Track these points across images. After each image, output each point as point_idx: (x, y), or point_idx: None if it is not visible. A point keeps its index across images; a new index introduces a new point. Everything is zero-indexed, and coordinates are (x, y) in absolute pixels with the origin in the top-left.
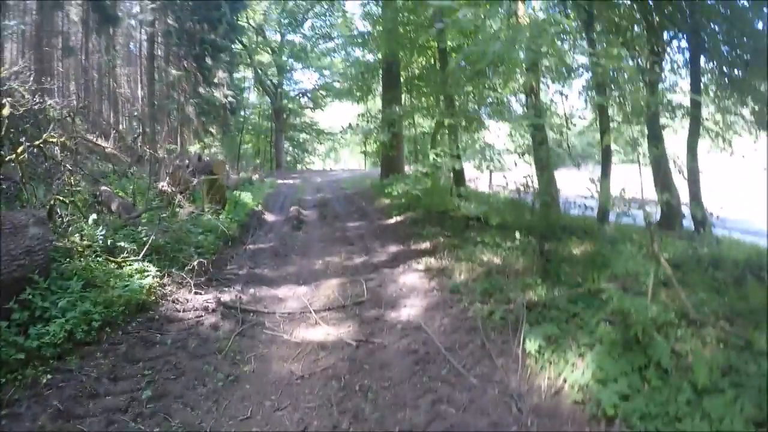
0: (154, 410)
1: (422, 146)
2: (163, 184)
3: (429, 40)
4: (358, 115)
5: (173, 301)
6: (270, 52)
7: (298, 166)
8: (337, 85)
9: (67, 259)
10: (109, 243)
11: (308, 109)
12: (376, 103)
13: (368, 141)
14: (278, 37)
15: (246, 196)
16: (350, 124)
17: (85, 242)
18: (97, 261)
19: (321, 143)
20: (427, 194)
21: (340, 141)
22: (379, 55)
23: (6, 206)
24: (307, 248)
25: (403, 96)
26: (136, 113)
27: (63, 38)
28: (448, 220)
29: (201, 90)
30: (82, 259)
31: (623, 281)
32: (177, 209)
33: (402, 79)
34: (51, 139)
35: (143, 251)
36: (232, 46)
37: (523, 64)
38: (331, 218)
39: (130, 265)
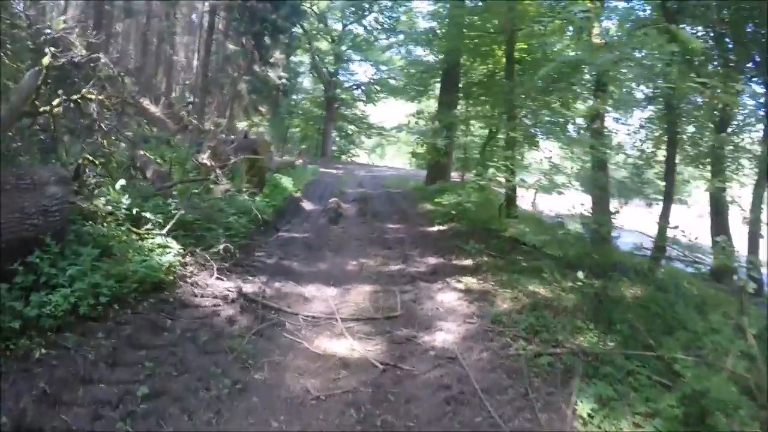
0: (147, 411)
1: (471, 155)
2: (203, 158)
3: (494, 47)
4: (410, 115)
5: (192, 284)
6: (330, 40)
7: (343, 157)
8: (392, 82)
9: (88, 224)
10: (134, 212)
11: (360, 102)
12: (429, 105)
13: (419, 142)
14: (339, 27)
15: (286, 181)
16: (408, 123)
17: (108, 208)
18: (119, 230)
19: (369, 137)
20: (475, 207)
21: (388, 138)
22: (441, 56)
23: (40, 160)
24: (342, 245)
25: (459, 102)
26: (187, 82)
27: None
28: (494, 239)
29: (256, 68)
30: (104, 224)
31: (688, 345)
32: (212, 185)
33: (461, 84)
34: (89, 96)
35: (168, 225)
36: (292, 29)
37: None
38: (371, 216)
39: (153, 238)
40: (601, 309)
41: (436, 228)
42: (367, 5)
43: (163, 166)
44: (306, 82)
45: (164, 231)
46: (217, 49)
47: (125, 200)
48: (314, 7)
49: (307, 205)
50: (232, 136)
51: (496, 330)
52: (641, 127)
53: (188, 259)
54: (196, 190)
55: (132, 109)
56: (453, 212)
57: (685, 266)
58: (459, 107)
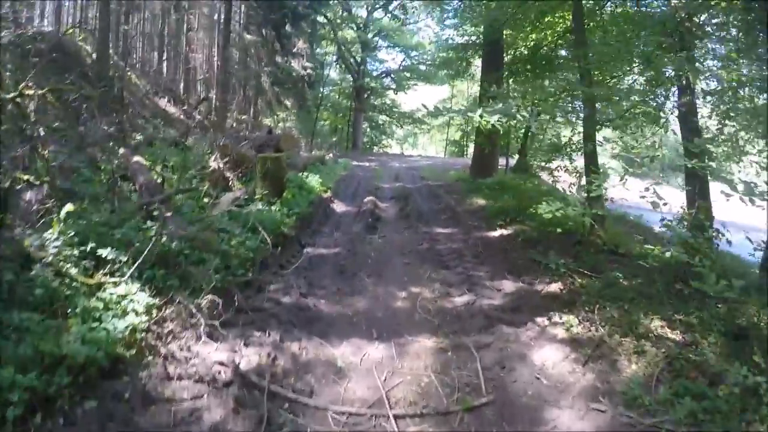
0: None
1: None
2: (212, 160)
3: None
4: (443, 100)
5: (167, 358)
6: (355, 27)
7: (375, 149)
8: (422, 67)
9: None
10: (89, 248)
11: (391, 91)
12: (462, 91)
13: (460, 126)
14: (364, 13)
15: (314, 179)
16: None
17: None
18: (62, 280)
19: (401, 127)
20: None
21: (421, 126)
22: (479, 32)
23: None
24: (384, 264)
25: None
26: (201, 77)
27: None
28: (577, 246)
29: (278, 59)
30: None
31: None
32: (214, 195)
33: (506, 61)
34: (27, 92)
35: (135, 266)
36: (314, 16)
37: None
38: (415, 218)
39: (114, 286)
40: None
41: (498, 233)
42: None
43: (164, 173)
44: (333, 73)
45: (126, 276)
46: (235, 41)
47: (69, 233)
48: None
49: (338, 207)
50: (256, 133)
51: (640, 423)
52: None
53: (167, 311)
54: (198, 200)
55: (149, 110)
56: (502, 205)
57: None
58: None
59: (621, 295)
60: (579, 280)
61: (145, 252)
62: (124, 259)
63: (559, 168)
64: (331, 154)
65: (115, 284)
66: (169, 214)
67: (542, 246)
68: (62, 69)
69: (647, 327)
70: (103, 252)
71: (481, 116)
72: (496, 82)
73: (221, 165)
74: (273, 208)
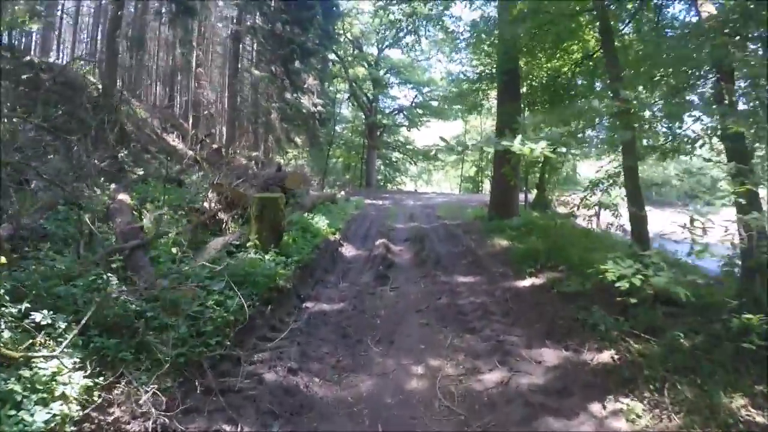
0: None
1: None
2: (206, 199)
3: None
4: (455, 137)
5: None
6: (366, 65)
7: (389, 186)
8: (434, 103)
9: None
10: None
11: (403, 128)
12: (475, 126)
13: (468, 161)
14: (375, 51)
15: (321, 220)
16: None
17: None
18: None
19: (414, 163)
20: (574, 244)
21: (434, 162)
22: (493, 62)
23: None
24: (395, 324)
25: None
26: (206, 112)
27: (133, 28)
28: (624, 298)
29: (287, 95)
30: None
31: None
32: (201, 240)
33: (524, 90)
34: None
35: (73, 333)
36: (324, 53)
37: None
38: (431, 263)
39: (45, 360)
40: None
41: (528, 282)
42: (403, 25)
43: (141, 215)
44: (346, 110)
45: (62, 347)
46: (244, 77)
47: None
48: (348, 34)
49: (348, 251)
50: (265, 170)
51: None
52: None
53: (115, 393)
54: (179, 250)
55: (154, 144)
56: (532, 246)
57: None
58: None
59: (689, 364)
60: (635, 345)
61: (88, 315)
62: (64, 325)
63: (574, 202)
64: (343, 192)
65: (45, 358)
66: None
67: (583, 300)
68: (65, 100)
69: (729, 409)
70: (37, 316)
71: (523, 143)
72: (513, 113)
73: (214, 205)
74: (268, 256)
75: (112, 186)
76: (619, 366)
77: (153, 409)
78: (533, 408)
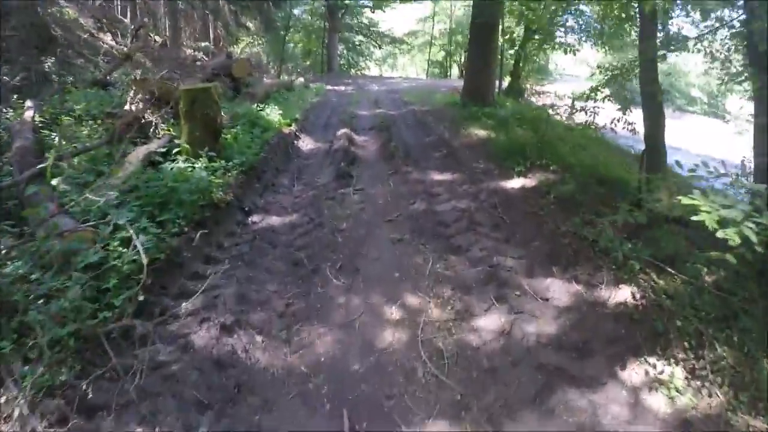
0: None
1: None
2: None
3: None
4: (421, 20)
5: None
6: None
7: (352, 71)
8: None
9: None
10: None
11: (367, 9)
12: (444, 7)
13: (436, 45)
14: None
15: (274, 111)
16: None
17: None
18: None
19: (379, 47)
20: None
21: (400, 46)
22: None
23: None
24: (361, 244)
25: None
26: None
27: None
28: (633, 212)
29: None
30: None
31: None
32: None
33: None
34: None
35: None
36: None
37: None
38: (401, 157)
39: None
40: None
41: (518, 183)
42: None
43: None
44: None
45: None
46: None
47: None
48: None
49: (305, 144)
50: (213, 61)
51: None
52: None
53: None
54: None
55: (91, 48)
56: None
57: None
58: None
59: (721, 312)
60: (658, 281)
61: None
62: None
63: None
64: (302, 79)
65: None
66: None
67: (586, 210)
68: None
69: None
70: None
71: None
72: None
73: (138, 106)
74: (199, 162)
75: (28, 103)
76: (644, 310)
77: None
78: (547, 374)
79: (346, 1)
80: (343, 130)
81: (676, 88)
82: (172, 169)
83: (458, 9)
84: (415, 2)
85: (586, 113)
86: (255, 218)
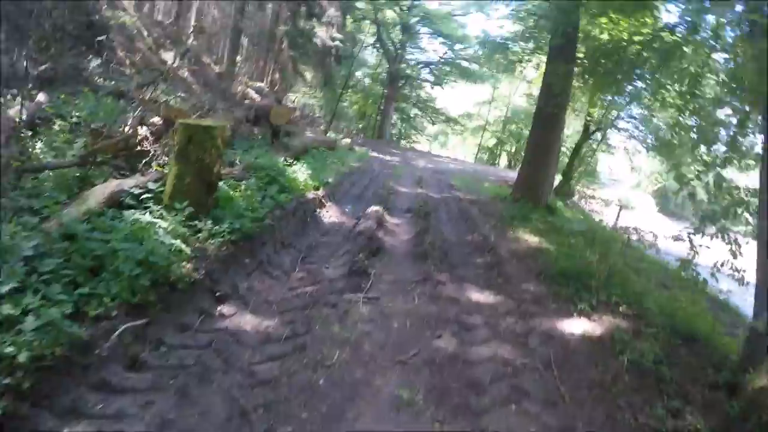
0: None
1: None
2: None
3: None
4: (481, 103)
5: None
6: (398, 9)
7: (402, 142)
8: (464, 64)
9: None
10: None
11: (427, 83)
12: (503, 93)
13: (489, 131)
14: None
15: (302, 170)
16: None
17: None
18: None
19: (432, 123)
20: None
21: (453, 126)
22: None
23: None
24: (350, 399)
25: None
26: (194, 25)
27: None
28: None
29: (300, 21)
30: None
31: None
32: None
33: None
34: None
35: None
36: None
37: None
38: (436, 259)
39: None
40: None
41: (578, 327)
42: None
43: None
44: (370, 57)
45: None
46: None
47: None
48: None
49: (328, 215)
50: (260, 102)
51: None
52: None
53: None
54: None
55: (143, 60)
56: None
57: None
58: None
59: None
60: None
61: None
62: None
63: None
64: (348, 140)
65: None
66: None
67: (670, 387)
68: None
69: None
70: None
71: None
72: (566, 75)
73: (140, 129)
74: (171, 219)
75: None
76: None
77: None
78: None
79: (408, 71)
80: (375, 208)
81: None
82: (132, 222)
83: (519, 96)
84: (476, 84)
85: (693, 250)
86: (226, 310)
